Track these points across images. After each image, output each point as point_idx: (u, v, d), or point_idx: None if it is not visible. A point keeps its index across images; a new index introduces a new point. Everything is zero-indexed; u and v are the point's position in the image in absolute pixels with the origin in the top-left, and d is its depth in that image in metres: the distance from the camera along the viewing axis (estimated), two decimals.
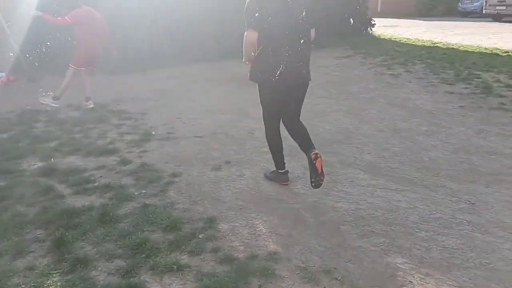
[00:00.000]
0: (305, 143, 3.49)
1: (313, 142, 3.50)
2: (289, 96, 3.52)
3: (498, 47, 10.70)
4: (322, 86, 7.62)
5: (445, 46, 11.68)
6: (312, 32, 3.48)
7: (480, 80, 7.34)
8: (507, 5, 19.16)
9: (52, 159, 4.39)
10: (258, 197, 3.55)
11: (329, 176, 3.89)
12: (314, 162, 3.29)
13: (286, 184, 3.75)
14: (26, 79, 8.50)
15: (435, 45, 12.15)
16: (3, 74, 8.46)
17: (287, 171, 3.79)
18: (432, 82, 7.47)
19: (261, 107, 3.70)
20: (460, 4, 24.11)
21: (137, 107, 6.51)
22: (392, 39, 13.64)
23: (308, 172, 3.44)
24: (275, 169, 3.80)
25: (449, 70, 8.24)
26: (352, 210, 3.29)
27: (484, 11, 20.57)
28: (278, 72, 3.35)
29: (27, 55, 9.14)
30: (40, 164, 4.31)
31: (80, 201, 3.45)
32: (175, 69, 9.58)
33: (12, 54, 8.92)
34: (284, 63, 3.33)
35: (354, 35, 13.18)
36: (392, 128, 5.26)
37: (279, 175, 3.78)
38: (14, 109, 6.57)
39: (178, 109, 6.37)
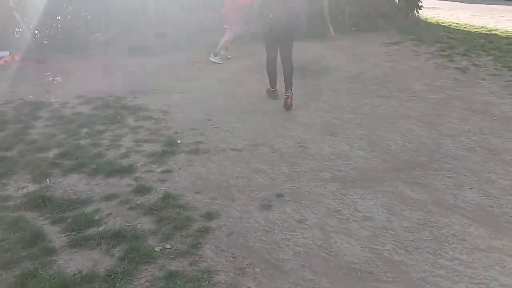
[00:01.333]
0: (286, 81, 5.23)
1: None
2: (280, 35, 5.18)
3: None
4: (377, 81, 6.38)
5: (504, 34, 10.25)
6: None
7: None
8: None
9: (48, 180, 3.33)
10: (333, 264, 2.43)
11: (428, 229, 2.75)
12: (287, 101, 5.13)
13: (277, 98, 5.53)
14: (33, 60, 7.46)
15: (491, 32, 10.70)
16: (7, 52, 7.42)
17: (276, 90, 5.60)
18: (510, 80, 6.18)
19: None
20: None
21: (158, 102, 5.41)
22: (440, 24, 12.19)
23: (396, 224, 2.79)
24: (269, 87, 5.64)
25: None
26: None
27: None
28: (271, 15, 5.04)
29: (36, 32, 8.06)
30: (31, 187, 3.26)
31: (76, 262, 2.40)
32: (202, 52, 8.40)
33: (18, 30, 7.87)
34: (273, 12, 5.02)
35: (398, 17, 11.74)
36: (486, 146, 4.06)
37: (272, 92, 5.65)
38: (13, 98, 5.52)
39: (208, 107, 5.24)
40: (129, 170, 3.51)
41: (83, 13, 8.40)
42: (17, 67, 7.10)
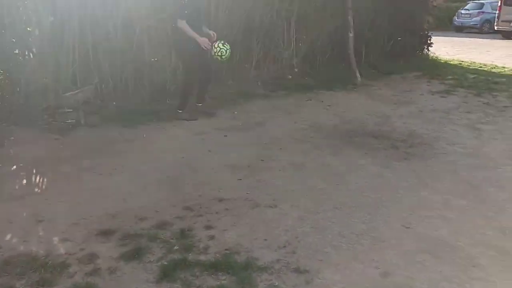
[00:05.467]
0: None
1: None
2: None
3: None
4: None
5: None
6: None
7: None
8: None
9: None
10: None
11: None
12: None
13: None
14: None
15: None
16: None
17: None
18: None
19: None
20: (456, 18, 22.36)
21: (272, 247, 3.03)
22: (450, 62, 10.95)
23: None
24: None
25: None
26: None
27: (496, 27, 18.80)
28: None
29: None
30: None
31: None
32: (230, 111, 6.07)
33: None
34: None
35: (410, 56, 10.23)
36: None
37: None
38: None
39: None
40: None
41: (49, 61, 5.67)
42: None
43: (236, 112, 6.22)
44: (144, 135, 5.20)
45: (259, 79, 7.57)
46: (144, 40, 6.17)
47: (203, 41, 5.26)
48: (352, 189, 3.88)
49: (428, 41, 10.68)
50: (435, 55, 10.86)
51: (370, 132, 5.53)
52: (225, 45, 5.40)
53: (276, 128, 5.63)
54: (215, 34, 5.48)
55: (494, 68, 10.31)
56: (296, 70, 8.28)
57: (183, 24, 5.20)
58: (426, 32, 10.58)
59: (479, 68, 10.13)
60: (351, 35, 8.24)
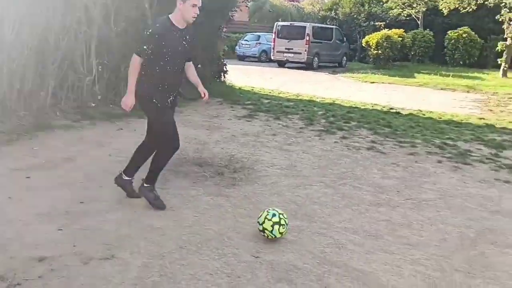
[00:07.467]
0: None
1: None
2: None
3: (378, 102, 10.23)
4: (341, 178, 5.06)
5: (320, 99, 10.63)
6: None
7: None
8: (294, 53, 20.28)
9: None
10: None
11: None
12: None
13: None
14: None
15: (311, 98, 10.93)
16: None
17: None
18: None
19: None
20: (238, 48, 24.50)
21: None
22: (244, 89, 11.84)
23: None
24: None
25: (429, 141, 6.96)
26: None
27: (272, 57, 21.29)
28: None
29: None
30: None
31: None
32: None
33: None
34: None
35: (210, 82, 10.59)
36: None
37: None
38: None
39: None
40: None
41: None
42: None
43: (36, 148, 5.32)
44: None
45: (57, 109, 6.73)
46: None
47: (125, 101, 3.71)
48: (193, 224, 3.67)
49: (224, 69, 11.29)
50: (230, 82, 11.53)
51: (193, 160, 5.42)
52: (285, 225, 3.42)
53: (90, 164, 5.00)
54: (206, 94, 4.02)
55: (281, 93, 11.54)
56: (99, 97, 7.64)
57: (132, 62, 3.63)
58: (223, 60, 11.16)
59: (269, 94, 11.20)
60: None
